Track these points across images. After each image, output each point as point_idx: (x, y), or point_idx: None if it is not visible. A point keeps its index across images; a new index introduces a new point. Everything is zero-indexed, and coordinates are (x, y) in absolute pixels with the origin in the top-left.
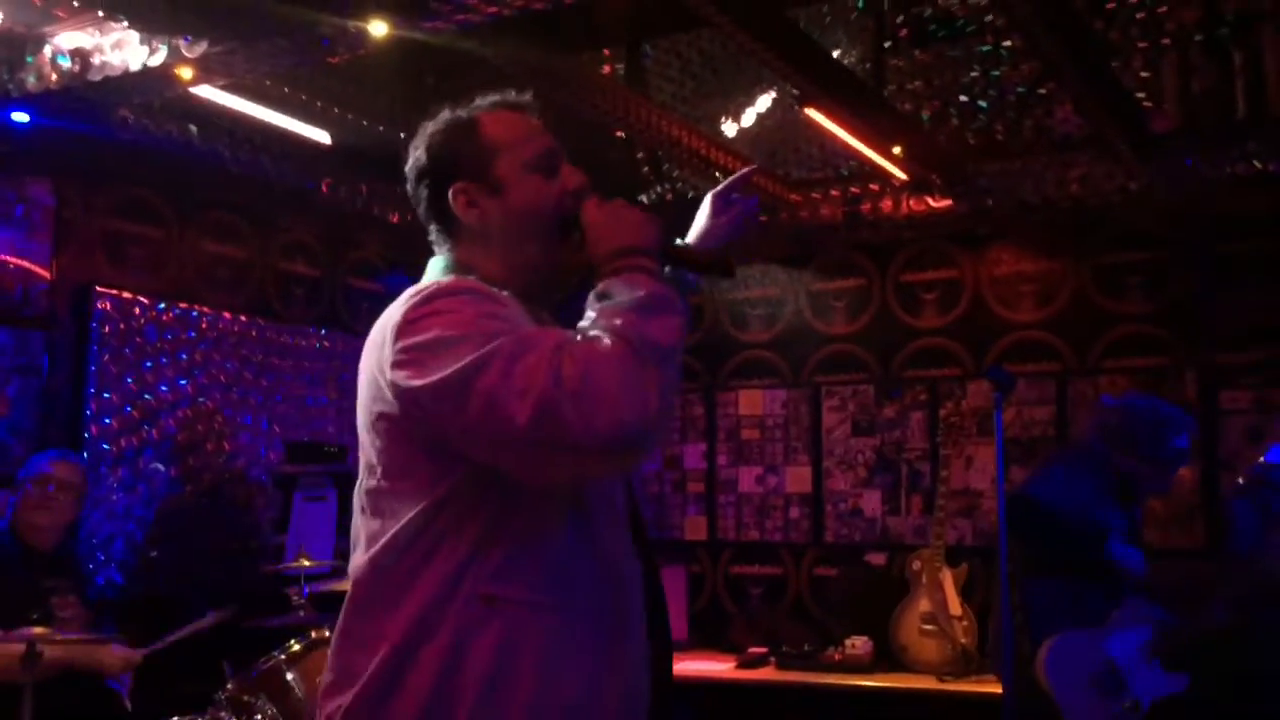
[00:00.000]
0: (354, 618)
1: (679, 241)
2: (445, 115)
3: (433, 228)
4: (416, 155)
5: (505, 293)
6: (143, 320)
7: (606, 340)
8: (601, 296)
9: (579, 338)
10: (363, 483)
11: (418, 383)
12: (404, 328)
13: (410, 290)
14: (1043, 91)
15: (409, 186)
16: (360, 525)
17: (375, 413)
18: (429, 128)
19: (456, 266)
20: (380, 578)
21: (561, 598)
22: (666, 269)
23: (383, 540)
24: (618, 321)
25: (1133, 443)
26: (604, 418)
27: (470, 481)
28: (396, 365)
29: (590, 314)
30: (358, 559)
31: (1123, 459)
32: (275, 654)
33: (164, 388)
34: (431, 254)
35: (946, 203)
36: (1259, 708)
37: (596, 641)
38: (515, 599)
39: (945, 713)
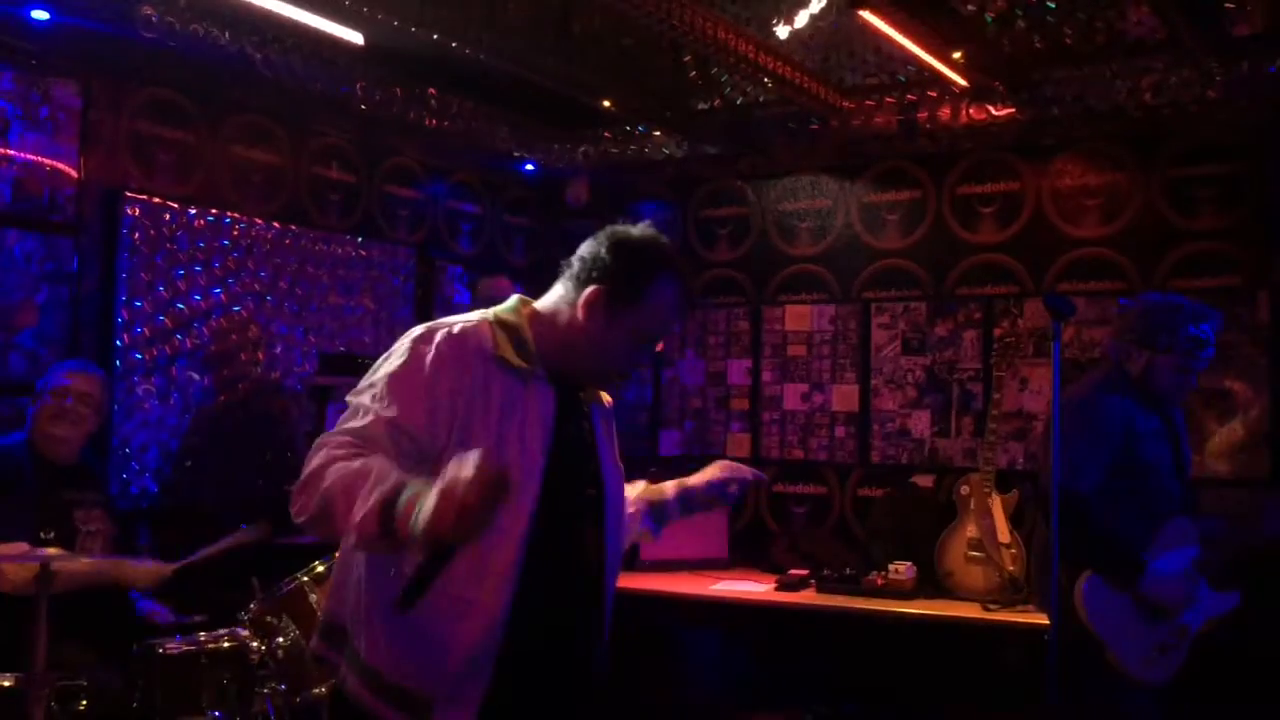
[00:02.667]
0: None
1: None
2: (650, 243)
3: (573, 273)
4: (615, 243)
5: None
6: (174, 226)
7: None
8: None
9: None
10: None
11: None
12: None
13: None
14: None
15: (595, 244)
16: None
17: None
18: (634, 236)
19: (531, 308)
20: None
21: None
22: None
23: None
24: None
25: (1146, 334)
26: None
27: None
28: None
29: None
30: None
31: (1138, 355)
32: (299, 575)
33: (196, 296)
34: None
35: (1009, 111)
36: None
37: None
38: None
39: (989, 642)
